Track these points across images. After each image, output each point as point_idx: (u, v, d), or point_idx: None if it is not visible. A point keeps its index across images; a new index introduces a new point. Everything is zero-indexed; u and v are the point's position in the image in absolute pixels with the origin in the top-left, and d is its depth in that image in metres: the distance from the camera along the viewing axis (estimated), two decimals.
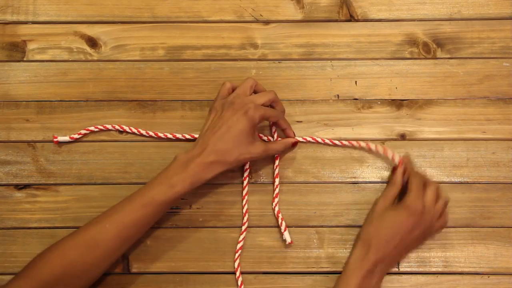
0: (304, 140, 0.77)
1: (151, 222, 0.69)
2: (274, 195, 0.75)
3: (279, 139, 0.76)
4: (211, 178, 0.69)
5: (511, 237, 0.75)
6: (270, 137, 0.77)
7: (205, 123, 0.72)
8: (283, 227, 0.74)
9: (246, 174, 0.76)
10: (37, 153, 0.77)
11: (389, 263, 0.70)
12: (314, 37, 0.81)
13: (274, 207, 0.75)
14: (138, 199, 0.67)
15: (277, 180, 0.76)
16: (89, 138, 0.78)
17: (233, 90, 0.73)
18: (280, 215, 0.74)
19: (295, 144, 0.76)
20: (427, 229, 0.71)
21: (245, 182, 0.75)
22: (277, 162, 0.76)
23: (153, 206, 0.67)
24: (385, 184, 0.76)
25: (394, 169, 0.75)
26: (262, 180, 0.76)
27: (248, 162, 0.76)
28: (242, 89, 0.72)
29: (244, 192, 0.75)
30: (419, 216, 0.69)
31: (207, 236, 0.75)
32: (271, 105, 0.74)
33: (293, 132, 0.76)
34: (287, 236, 0.73)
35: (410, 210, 0.69)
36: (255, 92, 0.73)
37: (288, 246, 0.74)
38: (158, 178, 0.68)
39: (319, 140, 0.76)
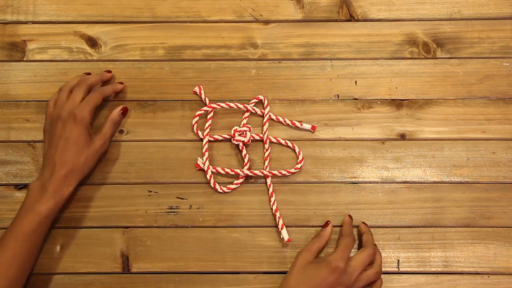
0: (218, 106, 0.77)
1: (32, 255, 0.69)
2: (270, 194, 0.75)
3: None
4: (72, 192, 0.71)
5: (511, 237, 0.75)
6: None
7: (43, 147, 0.74)
8: (280, 225, 0.74)
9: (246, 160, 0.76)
10: (37, 153, 0.77)
11: None
12: (314, 37, 0.81)
13: (272, 205, 0.75)
14: (10, 236, 0.67)
15: (269, 180, 0.76)
16: None
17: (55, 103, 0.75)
18: (277, 213, 0.74)
19: (123, 112, 0.77)
20: None
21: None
22: (266, 162, 0.76)
23: (26, 238, 0.67)
24: (385, 184, 0.77)
25: (325, 224, 0.74)
26: (262, 180, 0.76)
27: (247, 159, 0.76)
28: (60, 100, 0.73)
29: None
30: (339, 274, 0.67)
31: (207, 236, 0.75)
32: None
33: (121, 83, 0.78)
34: (284, 233, 0.73)
35: (330, 267, 0.68)
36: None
37: (286, 244, 0.74)
38: (21, 211, 0.69)
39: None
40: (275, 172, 0.75)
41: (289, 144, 0.77)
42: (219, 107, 0.77)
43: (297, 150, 0.76)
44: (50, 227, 0.72)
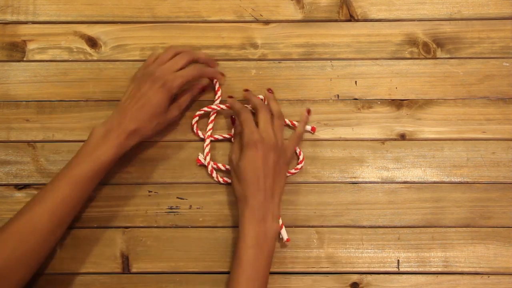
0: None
1: (82, 198, 0.69)
2: None
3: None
4: (133, 146, 0.71)
5: (511, 237, 0.75)
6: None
7: (125, 92, 0.73)
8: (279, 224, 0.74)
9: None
10: (37, 153, 0.77)
11: (271, 198, 0.69)
12: (314, 37, 0.81)
13: None
14: (64, 177, 0.67)
15: None
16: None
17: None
18: None
19: (203, 89, 0.78)
20: (279, 150, 0.71)
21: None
22: None
23: (80, 182, 0.67)
24: (385, 184, 0.76)
25: (232, 121, 0.77)
26: None
27: None
28: (161, 59, 0.74)
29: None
30: (261, 144, 0.69)
31: (207, 236, 0.75)
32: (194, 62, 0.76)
33: (222, 74, 0.78)
34: (283, 233, 0.73)
35: (250, 144, 0.70)
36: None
37: (285, 245, 0.74)
38: (80, 154, 0.68)
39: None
40: None
41: None
42: (219, 108, 0.77)
43: (297, 150, 0.76)
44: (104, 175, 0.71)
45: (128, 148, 0.70)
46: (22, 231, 0.64)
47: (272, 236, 0.68)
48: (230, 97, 0.77)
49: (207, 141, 0.77)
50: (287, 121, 0.78)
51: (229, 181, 0.75)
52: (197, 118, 0.77)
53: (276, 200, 0.70)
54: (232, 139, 0.77)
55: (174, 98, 0.74)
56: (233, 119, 0.77)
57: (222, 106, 0.77)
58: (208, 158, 0.76)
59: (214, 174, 0.76)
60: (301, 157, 0.76)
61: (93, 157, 0.67)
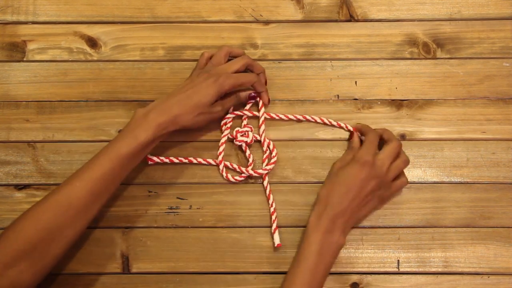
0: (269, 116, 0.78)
1: (120, 176, 0.69)
2: (267, 196, 0.75)
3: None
4: (173, 132, 0.71)
5: (511, 237, 0.75)
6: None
7: (183, 83, 0.74)
8: (273, 228, 0.74)
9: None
10: (37, 153, 0.77)
11: (349, 218, 0.70)
12: (314, 37, 0.81)
13: (270, 207, 0.75)
14: (104, 154, 0.67)
15: (265, 182, 0.76)
16: (88, 138, 0.78)
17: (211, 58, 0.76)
18: (273, 215, 0.74)
19: (252, 98, 0.78)
20: (383, 183, 0.71)
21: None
22: (265, 163, 0.76)
23: (119, 159, 0.67)
24: None
25: (351, 135, 0.76)
26: (261, 181, 0.76)
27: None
28: (216, 58, 0.76)
29: None
30: (369, 167, 0.70)
31: (207, 236, 0.75)
32: (249, 69, 0.77)
33: (268, 98, 0.78)
34: (276, 238, 0.73)
35: (359, 162, 0.70)
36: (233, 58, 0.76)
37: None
38: (122, 132, 0.69)
39: (282, 117, 0.78)
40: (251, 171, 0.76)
41: (265, 143, 0.77)
42: (251, 114, 0.78)
43: (271, 147, 0.76)
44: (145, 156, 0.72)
45: (166, 131, 0.70)
46: (59, 204, 0.65)
47: (336, 249, 0.69)
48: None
49: (223, 139, 0.77)
50: (342, 124, 0.78)
51: (240, 179, 0.75)
52: (229, 119, 0.78)
53: (351, 222, 0.71)
54: (257, 137, 0.77)
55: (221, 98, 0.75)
56: (351, 134, 0.77)
57: (249, 114, 0.78)
58: (220, 157, 0.76)
59: (224, 173, 0.76)
60: (274, 159, 0.76)
61: (133, 135, 0.68)
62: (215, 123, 0.77)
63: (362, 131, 0.76)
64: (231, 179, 0.76)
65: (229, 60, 0.77)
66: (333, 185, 0.71)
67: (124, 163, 0.68)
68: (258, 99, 0.78)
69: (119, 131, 0.69)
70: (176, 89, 0.73)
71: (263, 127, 0.77)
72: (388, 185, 0.72)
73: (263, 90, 0.77)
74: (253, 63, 0.77)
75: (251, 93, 0.78)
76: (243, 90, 0.77)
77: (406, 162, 0.73)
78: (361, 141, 0.76)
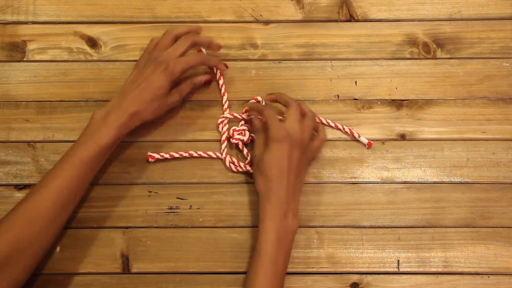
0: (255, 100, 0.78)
1: (85, 182, 0.69)
2: None
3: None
4: (133, 129, 0.71)
5: (511, 237, 0.75)
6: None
7: (128, 77, 0.74)
8: None
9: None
10: (37, 153, 0.77)
11: (293, 195, 0.70)
12: (314, 37, 0.81)
13: None
14: (67, 161, 0.67)
15: None
16: None
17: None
18: None
19: (207, 82, 0.78)
20: (304, 147, 0.71)
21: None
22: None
23: (83, 165, 0.67)
24: (385, 184, 0.76)
25: (250, 121, 0.76)
26: None
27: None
28: (162, 43, 0.74)
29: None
30: (287, 140, 0.69)
31: (207, 236, 0.75)
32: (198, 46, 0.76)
33: (225, 64, 0.78)
34: None
35: (276, 140, 0.69)
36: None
37: None
38: (82, 137, 0.69)
39: (282, 118, 0.77)
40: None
41: (239, 145, 0.77)
42: (240, 117, 0.78)
43: (245, 152, 0.77)
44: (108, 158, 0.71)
45: (128, 130, 0.71)
46: (27, 215, 0.65)
47: (292, 233, 0.69)
48: (255, 99, 0.77)
49: (223, 136, 0.77)
50: (346, 128, 0.77)
51: (243, 168, 0.76)
52: (223, 119, 0.78)
53: (297, 198, 0.71)
54: (253, 136, 0.76)
55: (176, 84, 0.75)
56: (248, 120, 0.77)
57: (244, 116, 0.78)
58: (224, 153, 0.76)
59: (233, 166, 0.76)
60: (248, 158, 0.76)
61: (94, 139, 0.68)
62: (214, 124, 0.77)
63: (255, 110, 0.76)
64: (239, 169, 0.76)
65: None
66: (265, 173, 0.69)
67: (88, 168, 0.68)
68: (214, 69, 0.78)
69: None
70: (128, 83, 0.72)
71: (226, 96, 0.78)
72: (309, 146, 0.73)
73: (216, 64, 0.77)
74: (198, 40, 0.75)
75: (206, 79, 0.77)
76: (197, 74, 0.77)
77: (313, 117, 0.74)
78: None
